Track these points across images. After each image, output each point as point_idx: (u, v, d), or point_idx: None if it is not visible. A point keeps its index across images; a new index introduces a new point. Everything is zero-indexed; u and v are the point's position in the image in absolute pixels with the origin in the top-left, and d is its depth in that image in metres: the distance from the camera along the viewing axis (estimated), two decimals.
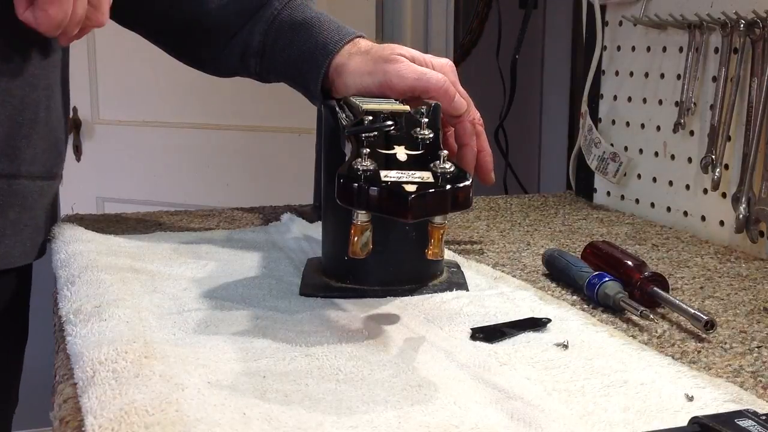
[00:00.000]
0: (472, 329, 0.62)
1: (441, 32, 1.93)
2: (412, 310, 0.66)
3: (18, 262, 0.82)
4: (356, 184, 0.52)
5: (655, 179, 1.08)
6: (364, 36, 0.83)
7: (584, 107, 1.18)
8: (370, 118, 0.61)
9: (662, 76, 1.05)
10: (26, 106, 0.78)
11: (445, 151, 0.55)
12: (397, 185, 0.52)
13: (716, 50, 0.95)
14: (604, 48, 1.15)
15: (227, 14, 0.86)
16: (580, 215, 1.10)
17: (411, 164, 0.55)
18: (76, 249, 0.77)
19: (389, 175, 0.53)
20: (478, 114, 0.81)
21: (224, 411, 0.47)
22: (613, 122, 1.15)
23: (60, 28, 0.70)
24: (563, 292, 0.75)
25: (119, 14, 0.92)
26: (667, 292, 0.70)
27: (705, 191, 0.98)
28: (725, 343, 0.63)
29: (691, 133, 1.01)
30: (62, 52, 0.85)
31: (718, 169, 0.93)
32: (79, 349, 0.55)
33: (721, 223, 0.96)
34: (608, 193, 1.16)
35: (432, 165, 0.54)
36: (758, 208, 0.88)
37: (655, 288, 0.69)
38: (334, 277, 0.72)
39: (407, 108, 0.68)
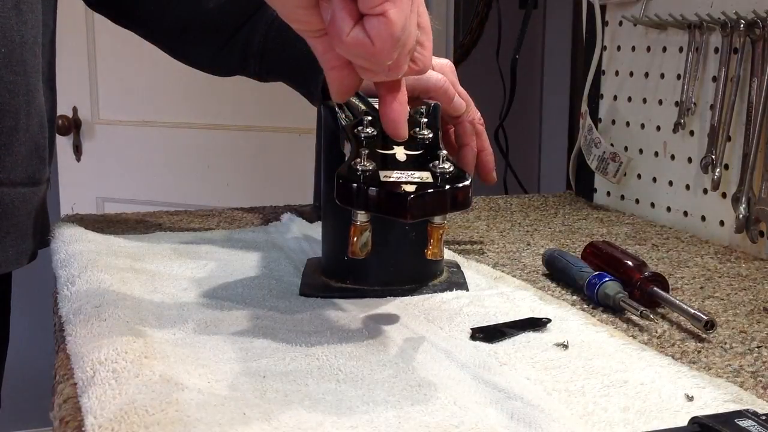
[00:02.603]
0: (472, 329, 0.62)
1: (441, 32, 1.93)
2: (412, 310, 0.66)
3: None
4: (355, 185, 0.52)
5: (655, 179, 1.08)
6: None
7: (584, 107, 1.18)
8: (370, 118, 0.61)
9: (662, 76, 1.05)
10: (5, 114, 0.77)
11: (445, 151, 0.55)
12: (396, 185, 0.52)
13: (716, 50, 0.95)
14: (604, 48, 1.15)
15: (226, 14, 0.86)
16: (580, 215, 1.10)
17: (410, 164, 0.55)
18: (76, 249, 0.77)
19: (388, 176, 0.53)
20: (479, 114, 0.81)
21: (224, 411, 0.47)
22: (613, 122, 1.15)
23: (397, 45, 0.50)
24: (563, 292, 0.75)
25: (116, 14, 0.92)
26: (667, 292, 0.70)
27: (705, 191, 0.98)
28: (725, 343, 0.63)
29: (691, 133, 1.01)
30: (48, 54, 0.85)
31: (718, 169, 0.93)
32: (79, 349, 0.55)
33: (721, 223, 0.96)
34: (608, 193, 1.16)
35: (431, 165, 0.54)
36: (758, 208, 0.88)
37: (655, 288, 0.69)
38: (334, 277, 0.72)
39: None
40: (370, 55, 0.50)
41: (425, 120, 0.61)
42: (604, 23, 1.15)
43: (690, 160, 1.01)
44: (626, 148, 1.13)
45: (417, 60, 0.54)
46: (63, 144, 2.01)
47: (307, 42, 0.54)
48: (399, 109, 0.56)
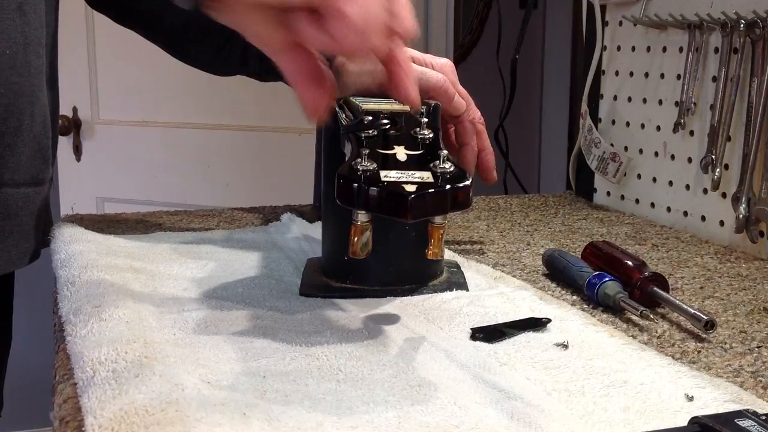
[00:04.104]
0: (472, 329, 0.62)
1: (441, 32, 1.93)
2: (412, 310, 0.66)
3: (1, 271, 0.82)
4: (356, 184, 0.52)
5: (655, 179, 1.08)
6: None
7: (584, 107, 1.18)
8: (370, 118, 0.61)
9: (662, 76, 1.05)
10: (9, 115, 0.77)
11: (445, 151, 0.55)
12: (397, 185, 0.52)
13: (716, 50, 0.95)
14: (604, 48, 1.15)
15: None
16: (580, 215, 1.10)
17: (411, 164, 0.55)
18: (76, 249, 0.77)
19: (389, 175, 0.53)
20: (479, 113, 0.81)
21: (224, 411, 0.47)
22: (613, 122, 1.15)
23: (365, 35, 0.52)
24: (563, 292, 0.75)
25: (117, 14, 0.92)
26: (667, 292, 0.70)
27: (705, 191, 0.98)
28: (725, 343, 0.63)
29: (691, 133, 1.01)
30: (49, 54, 0.85)
31: (718, 169, 0.93)
32: (79, 349, 0.55)
33: (721, 223, 0.96)
34: (608, 193, 1.16)
35: (432, 165, 0.54)
36: (758, 208, 0.88)
37: (655, 288, 0.69)
38: (334, 277, 0.72)
39: (407, 108, 0.68)
40: (342, 51, 0.52)
41: (425, 120, 0.61)
42: (604, 23, 1.15)
43: (690, 160, 1.01)
44: (626, 148, 1.13)
45: (396, 28, 0.55)
46: (63, 144, 2.01)
47: (277, 64, 0.55)
48: (402, 75, 0.59)
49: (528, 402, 0.50)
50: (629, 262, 0.74)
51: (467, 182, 0.53)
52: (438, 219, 0.55)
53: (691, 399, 0.50)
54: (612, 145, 1.14)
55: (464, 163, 0.80)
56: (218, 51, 0.89)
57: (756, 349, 0.62)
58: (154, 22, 0.90)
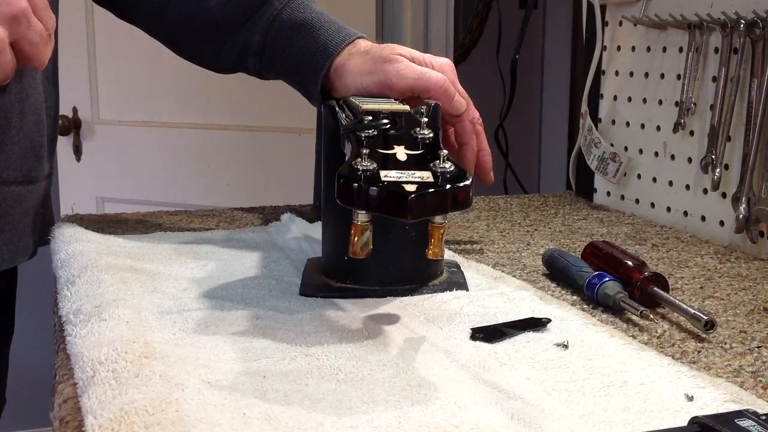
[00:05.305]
0: (472, 329, 0.62)
1: (441, 32, 1.93)
2: (412, 310, 0.66)
3: None
4: (356, 184, 0.52)
5: (655, 179, 1.08)
6: (364, 36, 0.83)
7: (584, 107, 1.18)
8: (370, 117, 0.61)
9: (662, 76, 1.05)
10: None
11: (445, 151, 0.55)
12: (397, 185, 0.52)
13: (716, 50, 0.95)
14: (604, 48, 1.15)
15: (227, 12, 0.86)
16: (580, 215, 1.10)
17: (411, 164, 0.55)
18: (76, 249, 0.77)
19: (389, 175, 0.53)
20: (477, 113, 0.81)
21: (224, 411, 0.47)
22: (613, 122, 1.15)
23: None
24: (563, 292, 0.75)
25: (119, 8, 0.92)
26: (667, 292, 0.70)
27: (705, 191, 0.98)
28: (725, 343, 0.63)
29: (691, 133, 1.01)
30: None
31: (718, 169, 0.93)
32: (79, 349, 0.55)
33: (721, 223, 0.96)
34: (608, 193, 1.16)
35: (432, 165, 0.54)
36: (758, 208, 0.88)
37: (655, 288, 0.69)
38: (334, 277, 0.72)
39: (407, 108, 0.68)
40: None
41: (425, 120, 0.61)
42: (604, 23, 1.15)
43: (690, 160, 1.01)
44: (626, 148, 1.13)
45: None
46: (63, 144, 2.01)
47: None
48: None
49: (528, 402, 0.50)
50: (629, 262, 0.74)
51: (467, 182, 0.53)
52: (438, 219, 0.55)
53: (691, 399, 0.50)
54: (612, 145, 1.14)
55: (464, 162, 0.80)
56: (219, 49, 0.89)
57: (756, 349, 0.62)
58: (155, 17, 0.90)
